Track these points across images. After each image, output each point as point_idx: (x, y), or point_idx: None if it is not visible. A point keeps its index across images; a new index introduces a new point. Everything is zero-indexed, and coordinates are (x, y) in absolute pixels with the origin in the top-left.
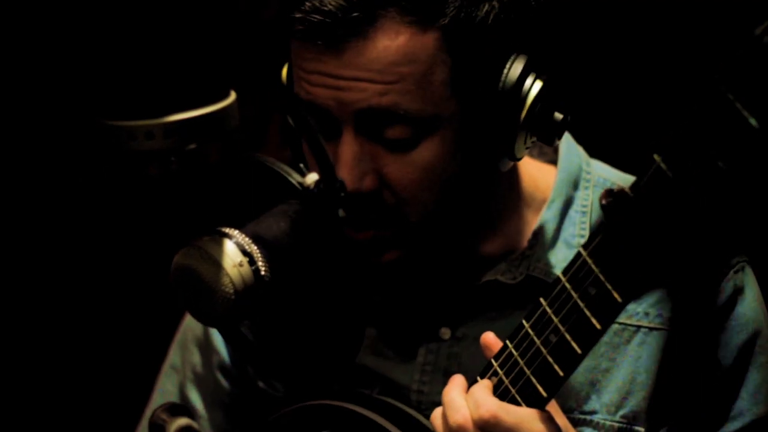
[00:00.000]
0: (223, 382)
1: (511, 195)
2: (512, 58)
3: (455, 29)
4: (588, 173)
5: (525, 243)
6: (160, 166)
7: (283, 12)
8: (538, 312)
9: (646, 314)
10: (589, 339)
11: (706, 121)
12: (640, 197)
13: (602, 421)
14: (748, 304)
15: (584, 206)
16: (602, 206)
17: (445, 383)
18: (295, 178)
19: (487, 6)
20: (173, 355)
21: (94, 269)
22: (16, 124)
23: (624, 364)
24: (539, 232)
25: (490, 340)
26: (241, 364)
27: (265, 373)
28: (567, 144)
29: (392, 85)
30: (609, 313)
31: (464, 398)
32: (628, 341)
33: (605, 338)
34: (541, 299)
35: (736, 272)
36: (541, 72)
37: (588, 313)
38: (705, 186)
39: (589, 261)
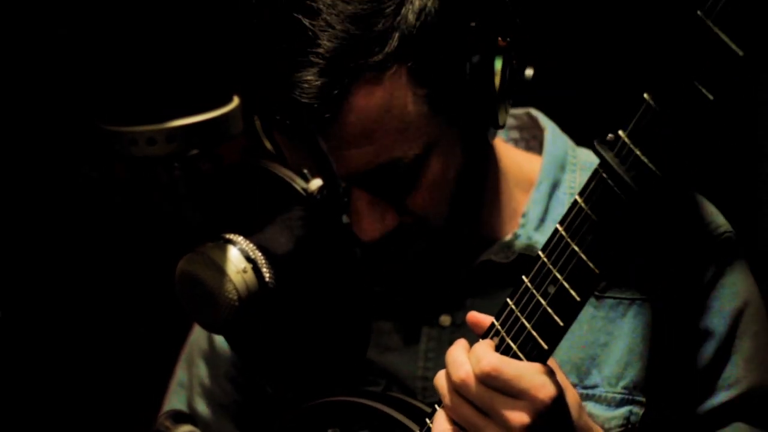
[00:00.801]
0: (231, 390)
1: (500, 181)
2: (470, 45)
3: (421, 64)
4: (574, 158)
5: (516, 225)
6: (163, 171)
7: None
8: (537, 265)
9: (640, 287)
10: (587, 285)
11: (692, 54)
12: (633, 136)
13: (604, 394)
14: (738, 272)
15: (572, 188)
16: (595, 150)
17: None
18: (299, 184)
19: (440, 27)
20: (180, 373)
21: (98, 274)
22: (21, 128)
23: (622, 336)
24: (528, 213)
25: (477, 317)
26: (247, 370)
27: (271, 379)
28: (552, 132)
29: (375, 147)
30: (606, 255)
31: (466, 355)
32: (624, 314)
33: (601, 313)
34: (540, 253)
35: (723, 241)
36: (499, 36)
37: (585, 258)
38: (694, 120)
39: (584, 207)
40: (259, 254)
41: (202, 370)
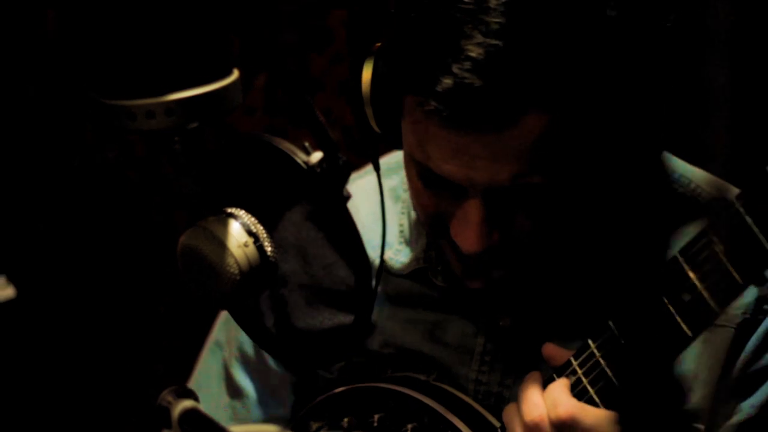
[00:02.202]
0: (271, 362)
1: None
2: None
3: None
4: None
5: None
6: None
7: (415, 86)
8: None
9: None
10: (679, 344)
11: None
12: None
13: None
14: None
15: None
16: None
17: (503, 374)
18: (300, 156)
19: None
20: (218, 331)
21: (97, 254)
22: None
23: (687, 361)
24: None
25: (553, 351)
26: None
27: (276, 353)
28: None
29: (527, 168)
30: (702, 319)
31: (541, 396)
32: None
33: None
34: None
35: None
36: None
37: (679, 320)
38: None
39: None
40: (261, 228)
41: (242, 335)
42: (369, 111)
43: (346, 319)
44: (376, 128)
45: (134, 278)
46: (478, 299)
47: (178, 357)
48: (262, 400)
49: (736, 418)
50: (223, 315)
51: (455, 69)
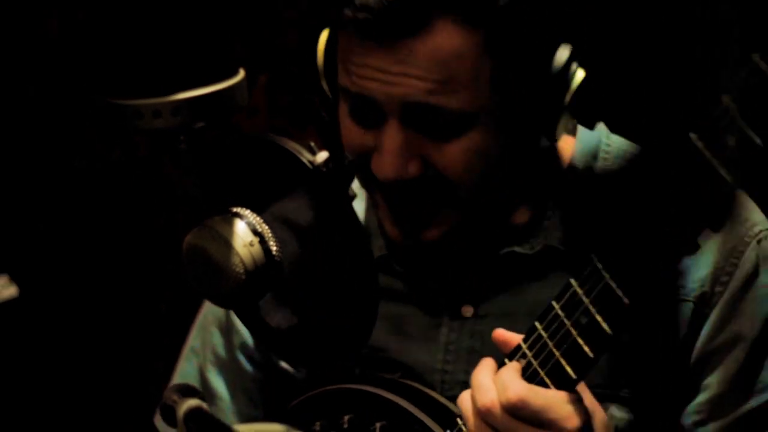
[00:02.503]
0: (246, 365)
1: (533, 172)
2: (558, 47)
3: (501, 26)
4: (608, 145)
5: (542, 215)
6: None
7: (326, 3)
8: (569, 293)
9: (674, 286)
10: (620, 319)
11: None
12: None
13: (629, 396)
14: None
15: (605, 170)
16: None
17: (469, 362)
18: (305, 156)
19: (539, 23)
20: (193, 338)
21: (99, 253)
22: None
23: (642, 344)
24: (555, 204)
25: (504, 336)
26: (259, 344)
27: (280, 353)
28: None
29: (440, 85)
30: (639, 290)
31: (492, 381)
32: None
33: None
34: (572, 280)
35: (759, 242)
36: (584, 60)
37: (619, 293)
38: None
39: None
40: (266, 227)
41: (216, 339)
42: (323, 79)
43: (350, 316)
44: (328, 92)
45: (135, 277)
46: (439, 287)
47: (179, 356)
48: (236, 402)
49: (705, 395)
50: (198, 322)
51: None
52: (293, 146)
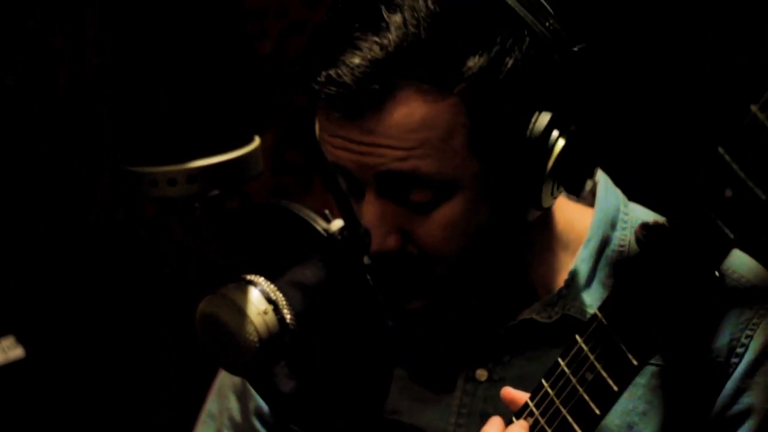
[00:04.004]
0: (260, 429)
1: (544, 237)
2: (537, 113)
3: (474, 92)
4: (626, 214)
5: (561, 282)
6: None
7: (302, 78)
8: (574, 350)
9: (683, 356)
10: (626, 376)
11: (712, 189)
12: (676, 228)
13: None
14: None
15: (622, 246)
16: (637, 239)
17: (481, 426)
18: (320, 224)
19: (508, 63)
20: (210, 403)
21: (122, 313)
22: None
23: (662, 406)
24: (575, 271)
25: (512, 394)
26: (272, 411)
27: (295, 420)
28: (605, 185)
29: (412, 151)
30: (646, 349)
31: None
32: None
33: (643, 380)
34: (577, 336)
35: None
36: (566, 125)
37: (624, 349)
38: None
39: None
40: (280, 295)
41: (232, 404)
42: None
43: (364, 383)
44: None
45: (142, 337)
46: (454, 350)
47: (185, 411)
48: None
49: None
50: (216, 387)
51: (336, 59)
52: (308, 214)
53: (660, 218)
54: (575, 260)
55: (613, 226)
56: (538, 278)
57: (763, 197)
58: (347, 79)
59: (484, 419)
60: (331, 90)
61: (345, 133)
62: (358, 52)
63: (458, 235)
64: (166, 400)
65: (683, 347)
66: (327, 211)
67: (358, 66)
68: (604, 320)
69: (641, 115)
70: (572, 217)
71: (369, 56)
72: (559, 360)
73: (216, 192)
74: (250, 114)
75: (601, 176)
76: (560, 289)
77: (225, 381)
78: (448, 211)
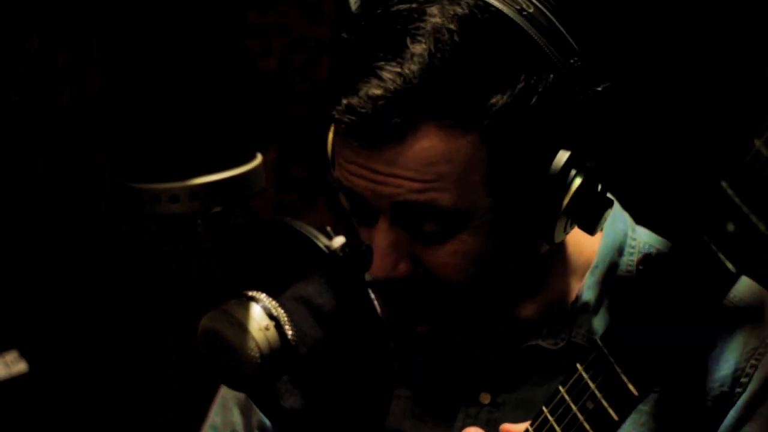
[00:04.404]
0: None
1: (553, 263)
2: (556, 150)
3: (496, 129)
4: (633, 239)
5: (567, 308)
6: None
7: (321, 103)
8: (575, 377)
9: (685, 384)
10: (627, 406)
11: (715, 224)
12: (678, 259)
13: None
14: None
15: (629, 272)
16: (638, 270)
17: None
18: (322, 241)
19: (532, 99)
20: (214, 416)
21: (123, 327)
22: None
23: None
24: (581, 298)
25: (509, 428)
26: (276, 427)
27: None
28: (613, 211)
29: (430, 183)
30: (648, 379)
31: None
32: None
33: (646, 408)
34: (578, 365)
35: None
36: (584, 163)
37: (625, 379)
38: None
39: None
40: (282, 312)
41: (236, 417)
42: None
43: (365, 400)
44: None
45: (145, 352)
46: (457, 373)
47: (188, 419)
48: None
49: None
50: (219, 398)
51: (358, 89)
52: (309, 231)
53: (663, 246)
54: (582, 287)
55: (620, 251)
56: (544, 303)
57: (765, 230)
58: (368, 110)
59: None
60: (351, 119)
61: (363, 161)
62: (379, 83)
63: (469, 265)
64: (168, 406)
65: (687, 376)
66: (329, 228)
67: (379, 98)
68: (605, 349)
69: (651, 149)
70: (581, 242)
71: (391, 87)
72: (560, 387)
73: (218, 209)
74: (251, 131)
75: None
76: (566, 316)
77: (228, 393)
78: (459, 243)
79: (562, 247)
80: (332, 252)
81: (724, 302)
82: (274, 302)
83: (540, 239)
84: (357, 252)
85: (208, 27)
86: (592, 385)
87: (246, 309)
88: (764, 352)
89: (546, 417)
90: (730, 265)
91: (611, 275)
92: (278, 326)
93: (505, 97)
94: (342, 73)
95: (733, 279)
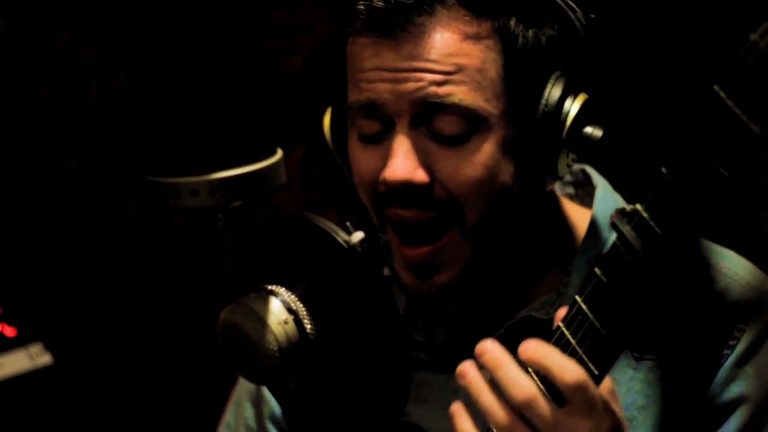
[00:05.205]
0: None
1: (550, 233)
2: (553, 77)
3: (507, 32)
4: None
5: (561, 280)
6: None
7: (341, 9)
8: (557, 334)
9: (674, 350)
10: (605, 359)
11: (708, 129)
12: (651, 212)
13: None
14: None
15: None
16: (612, 224)
17: (488, 428)
18: (341, 236)
19: (538, 20)
20: (228, 415)
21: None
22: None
23: (659, 399)
24: (573, 271)
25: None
26: (290, 419)
27: (312, 427)
28: (603, 190)
29: (448, 76)
30: (623, 327)
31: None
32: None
33: (640, 375)
34: (560, 323)
35: (757, 302)
36: (579, 91)
37: (603, 332)
38: (710, 194)
39: (603, 279)
40: (301, 306)
41: (248, 412)
42: (336, 155)
43: (383, 393)
44: (344, 167)
45: (170, 345)
46: (456, 351)
47: (210, 421)
48: None
49: None
50: (234, 397)
51: None
52: (329, 225)
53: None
54: (574, 261)
55: (609, 227)
56: (538, 278)
57: (758, 131)
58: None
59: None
60: (375, 4)
61: (381, 62)
62: None
63: (483, 180)
64: (187, 402)
65: (677, 341)
66: (348, 223)
67: None
68: (583, 305)
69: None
70: (574, 219)
71: None
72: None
73: (238, 203)
74: (272, 126)
75: (600, 181)
76: (559, 288)
77: (241, 391)
78: (475, 149)
79: (557, 221)
80: (351, 247)
81: (718, 273)
82: (293, 296)
83: (545, 170)
84: (376, 247)
85: (229, 24)
86: (572, 341)
87: (265, 303)
88: (751, 316)
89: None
90: (723, 171)
91: (601, 250)
92: (297, 320)
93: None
94: None
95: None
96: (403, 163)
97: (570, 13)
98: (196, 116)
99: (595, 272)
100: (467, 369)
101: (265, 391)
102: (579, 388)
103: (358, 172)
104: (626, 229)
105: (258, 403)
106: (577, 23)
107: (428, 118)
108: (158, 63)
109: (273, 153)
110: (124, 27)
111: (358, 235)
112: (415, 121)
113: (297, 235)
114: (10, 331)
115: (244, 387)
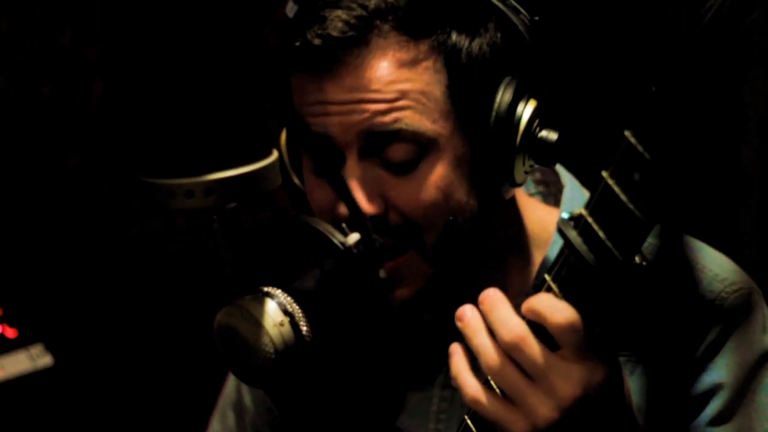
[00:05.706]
0: None
1: (518, 237)
2: (504, 82)
3: (448, 48)
4: None
5: (531, 282)
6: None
7: (282, 47)
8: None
9: (645, 346)
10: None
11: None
12: (595, 216)
13: None
14: (752, 326)
15: None
16: (558, 230)
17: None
18: (337, 238)
19: (480, 29)
20: (216, 422)
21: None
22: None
23: (642, 393)
24: (543, 271)
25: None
26: (281, 421)
27: (305, 429)
28: (571, 188)
29: (392, 104)
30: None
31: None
32: (632, 373)
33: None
34: (546, 275)
35: (734, 299)
36: (531, 94)
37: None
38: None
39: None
40: (297, 308)
41: (231, 421)
42: (293, 175)
43: (379, 399)
44: (301, 186)
45: (167, 346)
46: (430, 358)
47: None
48: None
49: None
50: (219, 407)
51: (317, 19)
52: (325, 227)
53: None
54: (543, 260)
55: None
56: (510, 279)
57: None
58: (329, 30)
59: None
60: (315, 42)
61: (324, 97)
62: (339, 12)
63: (439, 200)
64: (187, 403)
65: (653, 338)
66: (344, 225)
67: (337, 17)
68: (552, 283)
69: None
70: (544, 217)
71: (351, 13)
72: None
73: (233, 204)
74: (268, 127)
75: (568, 180)
76: (529, 289)
77: (226, 399)
78: (427, 173)
79: (525, 222)
80: (347, 248)
81: (696, 270)
82: (289, 298)
83: (502, 180)
84: (371, 248)
85: (225, 24)
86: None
87: (261, 305)
88: (721, 305)
89: None
90: (639, 215)
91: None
92: (293, 322)
93: (449, 14)
94: (302, 16)
95: (645, 228)
96: (355, 196)
97: (513, 16)
98: (191, 117)
99: (545, 278)
100: (466, 310)
101: (245, 399)
102: (570, 329)
103: (314, 203)
104: (572, 234)
105: (240, 410)
106: (521, 27)
107: (378, 148)
108: (156, 63)
109: (268, 154)
110: (124, 27)
111: (353, 237)
112: (364, 152)
113: (293, 237)
114: (11, 333)
115: (227, 395)
